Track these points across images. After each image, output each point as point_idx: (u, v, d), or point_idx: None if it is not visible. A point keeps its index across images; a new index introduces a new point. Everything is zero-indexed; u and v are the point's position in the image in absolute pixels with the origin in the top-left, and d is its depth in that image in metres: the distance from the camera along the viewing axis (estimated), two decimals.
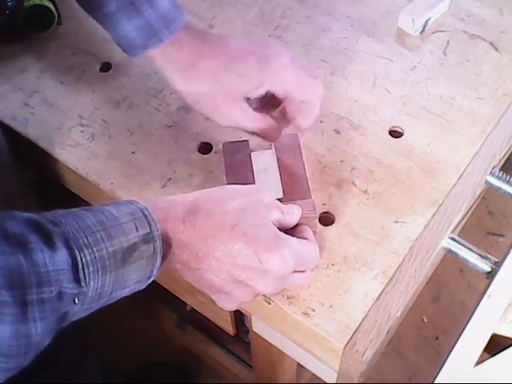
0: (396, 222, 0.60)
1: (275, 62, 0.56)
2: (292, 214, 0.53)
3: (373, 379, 0.65)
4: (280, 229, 0.50)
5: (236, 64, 0.55)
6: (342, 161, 0.65)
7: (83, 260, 0.40)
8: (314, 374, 0.68)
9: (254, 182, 0.59)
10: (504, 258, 0.57)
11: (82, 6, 0.59)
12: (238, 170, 0.60)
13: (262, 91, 0.56)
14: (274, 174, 0.60)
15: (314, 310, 0.55)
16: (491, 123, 0.68)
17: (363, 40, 0.76)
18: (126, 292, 0.45)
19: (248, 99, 0.57)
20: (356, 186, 0.63)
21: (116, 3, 0.56)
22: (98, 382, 0.99)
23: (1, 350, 0.37)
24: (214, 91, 0.56)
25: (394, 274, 0.57)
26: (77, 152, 0.66)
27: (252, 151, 0.62)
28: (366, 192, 0.62)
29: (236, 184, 0.52)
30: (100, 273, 0.41)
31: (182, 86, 0.57)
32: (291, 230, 0.53)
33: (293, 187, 0.59)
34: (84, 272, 0.40)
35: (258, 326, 0.69)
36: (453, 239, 0.59)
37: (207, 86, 0.56)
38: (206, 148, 0.66)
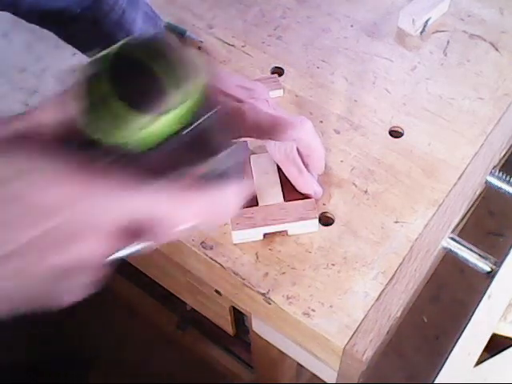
0: (396, 222, 0.60)
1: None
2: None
3: (373, 379, 0.65)
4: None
5: None
6: (341, 161, 0.65)
7: None
8: (313, 374, 0.68)
9: (253, 185, 0.59)
10: (504, 258, 0.57)
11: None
12: None
13: None
14: (274, 176, 0.60)
15: (314, 310, 0.55)
16: (491, 123, 0.68)
17: (363, 40, 0.76)
18: None
19: None
20: (356, 186, 0.63)
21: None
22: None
23: None
24: None
25: (393, 274, 0.57)
26: None
27: (252, 153, 0.62)
28: (366, 192, 0.62)
29: None
30: None
31: None
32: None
33: (293, 188, 0.59)
34: None
35: (258, 326, 0.69)
36: (453, 239, 0.59)
37: None
38: None
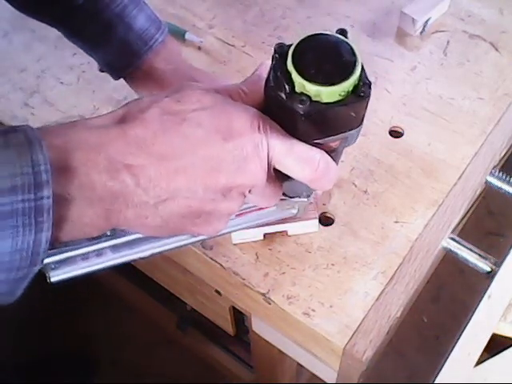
0: (396, 222, 0.60)
1: None
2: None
3: (373, 379, 0.65)
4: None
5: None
6: (342, 161, 0.64)
7: None
8: (313, 374, 0.68)
9: None
10: (504, 258, 0.57)
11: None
12: None
13: None
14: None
15: (314, 310, 0.55)
16: (491, 123, 0.68)
17: (363, 40, 0.76)
18: None
19: None
20: (356, 186, 0.63)
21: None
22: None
23: None
24: None
25: (393, 274, 0.57)
26: None
27: None
28: (365, 192, 0.62)
29: None
30: None
31: None
32: None
33: None
34: None
35: (258, 326, 0.69)
36: (453, 239, 0.59)
37: None
38: None
